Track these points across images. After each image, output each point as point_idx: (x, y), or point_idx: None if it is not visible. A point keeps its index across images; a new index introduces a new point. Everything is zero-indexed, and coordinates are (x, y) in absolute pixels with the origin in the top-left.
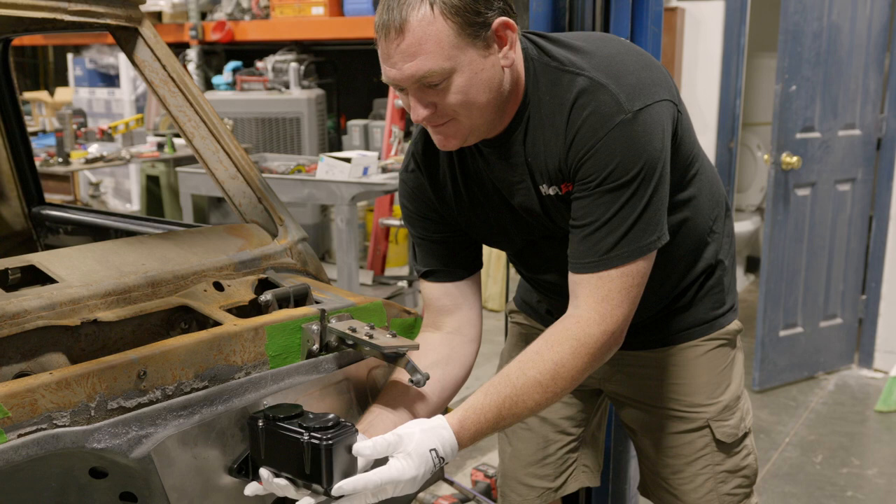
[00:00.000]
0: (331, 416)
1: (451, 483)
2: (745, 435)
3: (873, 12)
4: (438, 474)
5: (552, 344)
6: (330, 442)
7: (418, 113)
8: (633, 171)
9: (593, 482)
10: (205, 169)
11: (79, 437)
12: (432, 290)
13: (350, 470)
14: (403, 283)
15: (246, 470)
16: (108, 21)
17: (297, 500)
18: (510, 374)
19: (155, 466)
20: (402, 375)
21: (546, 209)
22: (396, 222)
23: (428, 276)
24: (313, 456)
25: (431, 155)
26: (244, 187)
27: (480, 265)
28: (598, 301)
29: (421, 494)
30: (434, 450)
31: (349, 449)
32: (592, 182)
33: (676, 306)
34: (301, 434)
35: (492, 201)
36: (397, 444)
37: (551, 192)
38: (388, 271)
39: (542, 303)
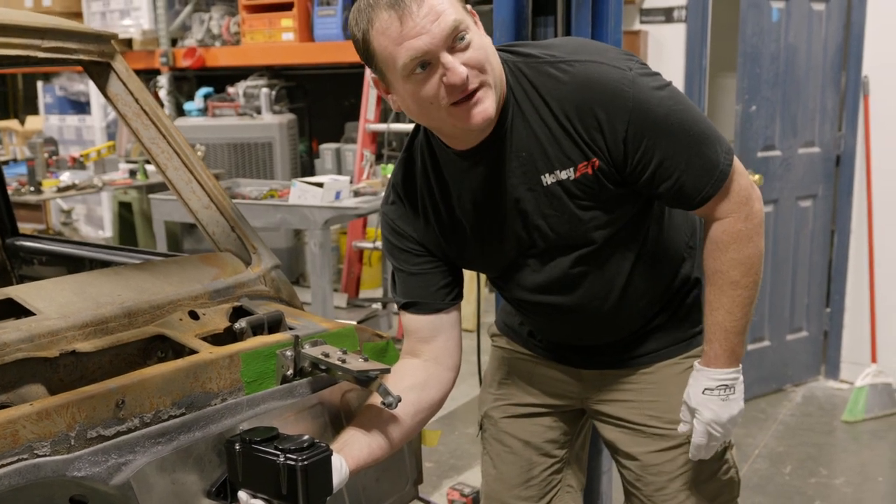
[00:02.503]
0: (306, 437)
1: (426, 503)
2: (727, 449)
3: (828, 33)
4: (412, 491)
5: (720, 250)
6: (305, 462)
7: (459, 72)
8: (668, 103)
9: (577, 502)
10: (178, 199)
11: (59, 465)
12: (411, 321)
13: (325, 489)
14: (378, 306)
15: (224, 493)
16: (81, 56)
17: None
18: (713, 302)
19: (134, 493)
20: (376, 399)
21: (546, 204)
22: (369, 245)
23: (407, 307)
24: (289, 477)
25: (410, 184)
26: (217, 216)
27: (460, 297)
28: (738, 205)
29: None
30: (706, 389)
31: (325, 468)
32: (650, 139)
33: (654, 324)
34: (277, 456)
35: (476, 219)
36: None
37: (563, 176)
38: (363, 293)
39: (524, 325)
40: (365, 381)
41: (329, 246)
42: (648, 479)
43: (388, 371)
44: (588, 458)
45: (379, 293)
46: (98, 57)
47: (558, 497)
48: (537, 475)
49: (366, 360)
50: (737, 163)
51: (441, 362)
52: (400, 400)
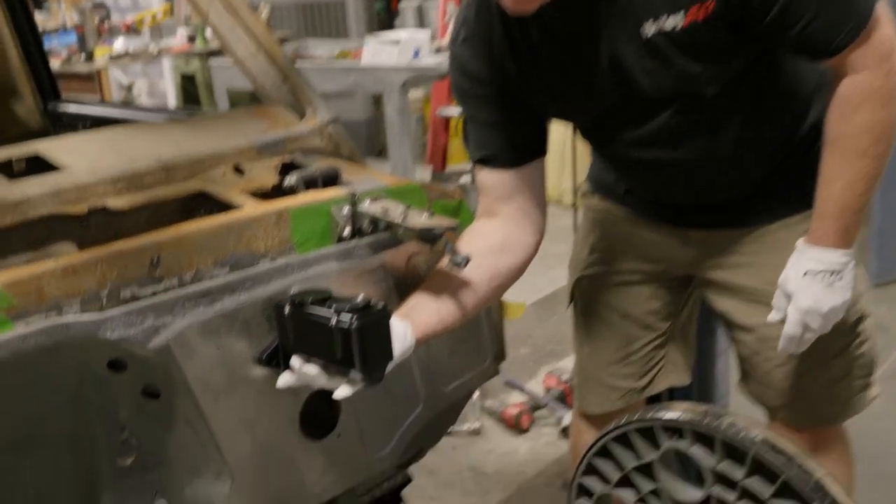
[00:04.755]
0: (360, 297)
1: (520, 389)
2: (861, 319)
3: None
4: (491, 368)
5: (850, 111)
6: (359, 323)
7: None
8: None
9: (682, 380)
10: (223, 47)
11: (90, 326)
12: (487, 178)
13: (384, 354)
14: (467, 180)
15: (276, 360)
16: None
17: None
18: (829, 173)
19: (175, 357)
20: (446, 262)
21: (647, 57)
22: (457, 112)
23: (483, 161)
24: (343, 339)
25: (484, 21)
26: (266, 65)
27: (544, 150)
28: (878, 59)
29: (488, 402)
30: (807, 272)
31: (382, 331)
32: None
33: (777, 176)
34: (329, 317)
35: (561, 71)
36: (782, 294)
37: (668, 24)
38: (451, 168)
39: (620, 182)
40: (430, 238)
41: (409, 112)
42: (767, 355)
43: (455, 227)
44: (700, 338)
45: (469, 166)
46: None
47: (661, 375)
48: (637, 350)
49: (431, 215)
50: (882, 8)
51: (521, 224)
52: (469, 259)
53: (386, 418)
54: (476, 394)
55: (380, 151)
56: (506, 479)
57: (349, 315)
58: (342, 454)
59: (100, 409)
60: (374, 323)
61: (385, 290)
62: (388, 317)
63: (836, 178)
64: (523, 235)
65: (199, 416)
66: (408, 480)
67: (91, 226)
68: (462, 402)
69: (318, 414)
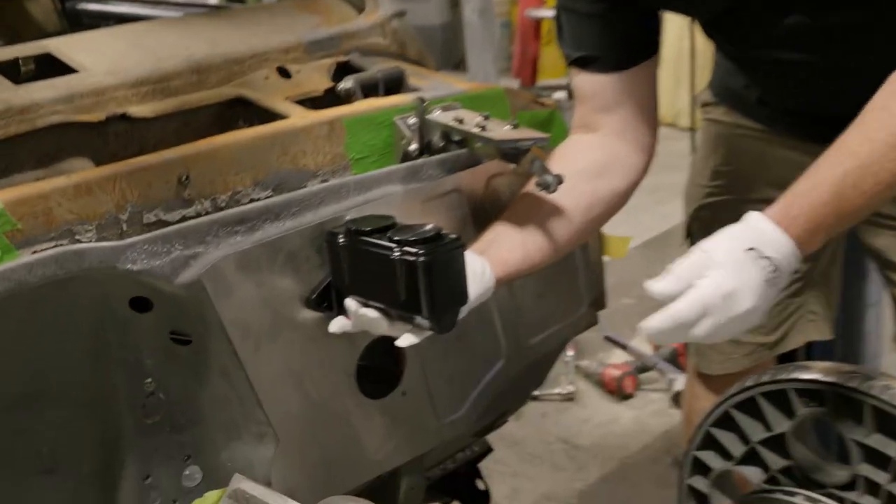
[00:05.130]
0: (429, 226)
1: (623, 347)
2: None
3: None
4: (588, 316)
5: None
6: (428, 257)
7: None
8: None
9: (823, 334)
10: None
11: (108, 254)
12: (586, 83)
13: (458, 296)
14: (562, 96)
15: (328, 301)
16: None
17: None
18: (849, 144)
19: (208, 294)
20: (533, 185)
21: None
22: (550, 13)
23: (580, 63)
24: (408, 276)
25: None
26: None
27: (656, 49)
28: None
29: (584, 362)
30: (752, 249)
31: (455, 268)
32: None
33: None
34: (391, 249)
35: None
36: (704, 262)
37: None
38: (542, 82)
39: (751, 89)
40: (512, 153)
41: (491, 13)
42: None
43: (545, 141)
44: (847, 283)
45: (563, 81)
46: None
47: (797, 328)
48: None
49: (515, 126)
50: None
51: (626, 140)
52: (561, 181)
53: (460, 375)
54: (569, 350)
55: (457, 64)
56: (604, 453)
57: (416, 247)
58: (406, 416)
59: (121, 357)
60: (446, 257)
61: (459, 219)
62: (463, 250)
63: (846, 156)
64: (629, 154)
65: (238, 366)
66: (486, 451)
67: (110, 137)
68: (552, 359)
69: (378, 367)
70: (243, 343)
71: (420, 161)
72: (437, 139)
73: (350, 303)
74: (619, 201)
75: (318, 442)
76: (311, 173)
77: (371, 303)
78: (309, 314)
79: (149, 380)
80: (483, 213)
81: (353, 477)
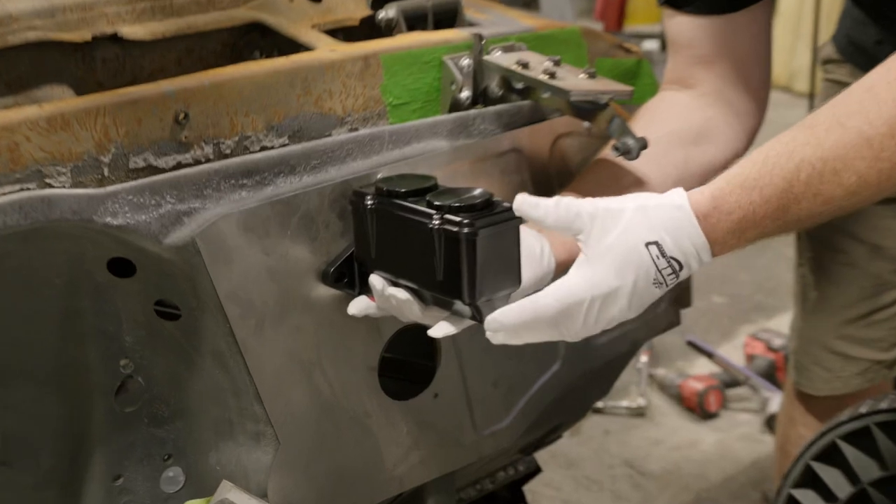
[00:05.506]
0: (478, 191)
1: (709, 356)
2: None
3: None
4: (668, 315)
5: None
6: (472, 229)
7: None
8: None
9: None
10: None
11: (83, 204)
12: (681, 27)
13: (509, 278)
14: (653, 46)
15: (349, 276)
16: None
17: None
18: (814, 125)
19: (202, 260)
20: (612, 151)
21: None
22: None
23: (675, 2)
24: (448, 252)
25: None
26: None
27: None
28: None
29: (660, 370)
30: (654, 243)
31: (507, 244)
32: None
33: None
34: (429, 217)
35: None
36: (582, 221)
37: None
38: (630, 29)
39: (885, 45)
40: (587, 109)
41: None
42: None
43: (628, 96)
44: None
45: (656, 28)
46: None
47: None
48: (890, 304)
49: (592, 76)
50: None
51: (729, 100)
52: (645, 145)
53: (506, 377)
54: (643, 355)
55: (528, 1)
56: (677, 482)
57: (460, 215)
58: (437, 424)
59: (95, 330)
60: (497, 231)
61: (516, 187)
62: (518, 224)
63: (807, 142)
64: (730, 119)
65: (234, 350)
66: (534, 471)
67: (97, 62)
68: (621, 365)
69: (406, 362)
70: (243, 322)
71: (472, 112)
72: (494, 86)
73: (375, 280)
74: (714, 176)
75: (327, 449)
76: (338, 119)
77: (401, 281)
78: (325, 292)
79: (126, 360)
80: (546, 180)
81: (368, 494)
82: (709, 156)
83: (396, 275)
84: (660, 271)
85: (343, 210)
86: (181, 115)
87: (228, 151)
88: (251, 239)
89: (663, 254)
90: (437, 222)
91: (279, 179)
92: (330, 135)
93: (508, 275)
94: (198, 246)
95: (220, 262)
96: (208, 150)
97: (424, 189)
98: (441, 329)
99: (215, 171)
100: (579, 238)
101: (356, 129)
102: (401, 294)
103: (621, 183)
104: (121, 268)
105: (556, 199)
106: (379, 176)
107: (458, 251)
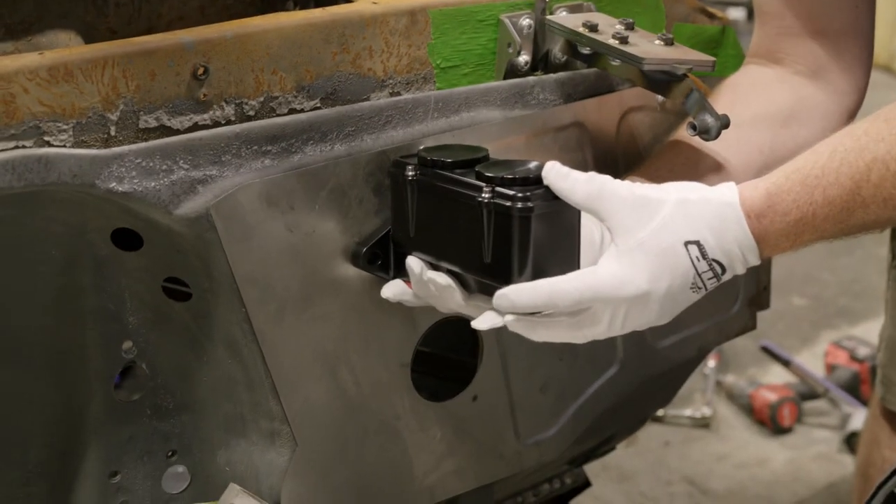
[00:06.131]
0: (533, 164)
1: (785, 364)
2: None
3: None
4: (742, 317)
5: None
6: (529, 205)
7: None
8: None
9: None
10: None
11: (85, 166)
12: None
13: (566, 265)
14: (739, 14)
15: (384, 258)
16: None
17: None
18: (891, 118)
19: (217, 234)
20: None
21: None
22: None
23: None
24: (498, 231)
25: None
26: None
27: None
28: None
29: (730, 378)
30: (696, 243)
31: (566, 227)
32: None
33: None
34: (478, 190)
35: None
36: (613, 205)
37: None
38: None
39: None
40: (662, 81)
41: None
42: None
43: (710, 67)
44: None
45: None
46: None
47: None
48: None
49: (669, 42)
50: None
51: (823, 78)
52: (726, 124)
53: (555, 380)
54: (711, 360)
55: None
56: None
57: (513, 189)
58: (476, 430)
59: (96, 308)
60: (555, 208)
61: (576, 164)
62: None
63: (882, 138)
64: (824, 99)
65: (250, 338)
66: (583, 485)
67: (109, 7)
68: (687, 371)
69: (444, 359)
70: (261, 308)
71: (531, 79)
72: (557, 51)
73: (413, 262)
74: None
75: (350, 453)
76: (378, 82)
77: (442, 264)
78: (355, 277)
79: (129, 343)
80: (611, 159)
81: None
82: (799, 139)
83: (437, 257)
84: (699, 275)
85: (379, 185)
86: (200, 70)
87: (252, 113)
88: (273, 213)
89: (704, 255)
90: (486, 196)
91: (308, 147)
92: (368, 99)
93: (565, 260)
94: (212, 219)
95: (237, 239)
96: (229, 110)
97: (474, 160)
98: (486, 320)
99: (236, 135)
100: (608, 224)
101: (398, 94)
102: (441, 279)
103: (698, 168)
104: (126, 240)
105: (590, 174)
106: (422, 146)
107: (509, 229)
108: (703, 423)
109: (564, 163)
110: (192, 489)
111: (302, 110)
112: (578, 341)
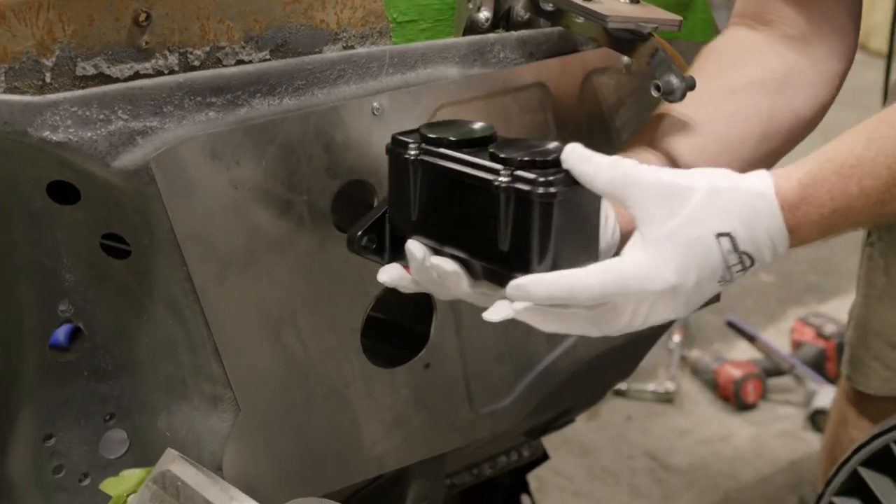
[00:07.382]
0: (553, 144)
1: (750, 339)
2: None
3: None
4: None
5: None
6: (552, 191)
7: None
8: None
9: None
10: None
11: (17, 113)
12: None
13: (587, 252)
14: None
15: (379, 240)
16: None
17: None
18: None
19: (158, 188)
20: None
21: None
22: None
23: None
24: (518, 218)
25: None
26: None
27: None
28: None
29: (694, 352)
30: (727, 235)
31: (589, 213)
32: None
33: None
34: (495, 173)
35: None
36: (640, 192)
37: None
38: None
39: None
40: (627, 41)
41: None
42: None
43: (676, 26)
44: None
45: None
46: None
47: None
48: None
49: (635, 1)
50: None
51: (815, 41)
52: (692, 86)
53: (510, 350)
54: (675, 334)
55: None
56: (705, 480)
57: (535, 172)
58: (427, 399)
59: (31, 264)
60: (578, 193)
61: (536, 127)
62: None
63: None
64: (817, 64)
65: (192, 298)
66: (540, 458)
67: None
68: (648, 343)
69: (395, 324)
70: (203, 266)
71: (492, 36)
72: (519, 7)
73: (415, 247)
74: (800, 133)
75: (295, 419)
76: (331, 34)
77: (447, 249)
78: (304, 237)
79: (66, 302)
80: (573, 123)
81: (340, 474)
82: (795, 106)
83: (441, 242)
84: (729, 268)
85: (330, 141)
86: (142, 16)
87: (197, 63)
88: (217, 168)
89: (736, 248)
90: (505, 180)
91: (255, 100)
92: (320, 52)
93: (585, 248)
94: (152, 172)
95: (178, 194)
96: (172, 59)
97: (484, 139)
98: (499, 311)
99: (178, 85)
100: (633, 211)
101: (351, 48)
102: (448, 265)
103: (677, 134)
104: (62, 193)
105: (614, 158)
106: (377, 105)
107: (528, 215)
108: (667, 398)
109: (524, 124)
110: (131, 454)
111: (250, 62)
112: (594, 335)
